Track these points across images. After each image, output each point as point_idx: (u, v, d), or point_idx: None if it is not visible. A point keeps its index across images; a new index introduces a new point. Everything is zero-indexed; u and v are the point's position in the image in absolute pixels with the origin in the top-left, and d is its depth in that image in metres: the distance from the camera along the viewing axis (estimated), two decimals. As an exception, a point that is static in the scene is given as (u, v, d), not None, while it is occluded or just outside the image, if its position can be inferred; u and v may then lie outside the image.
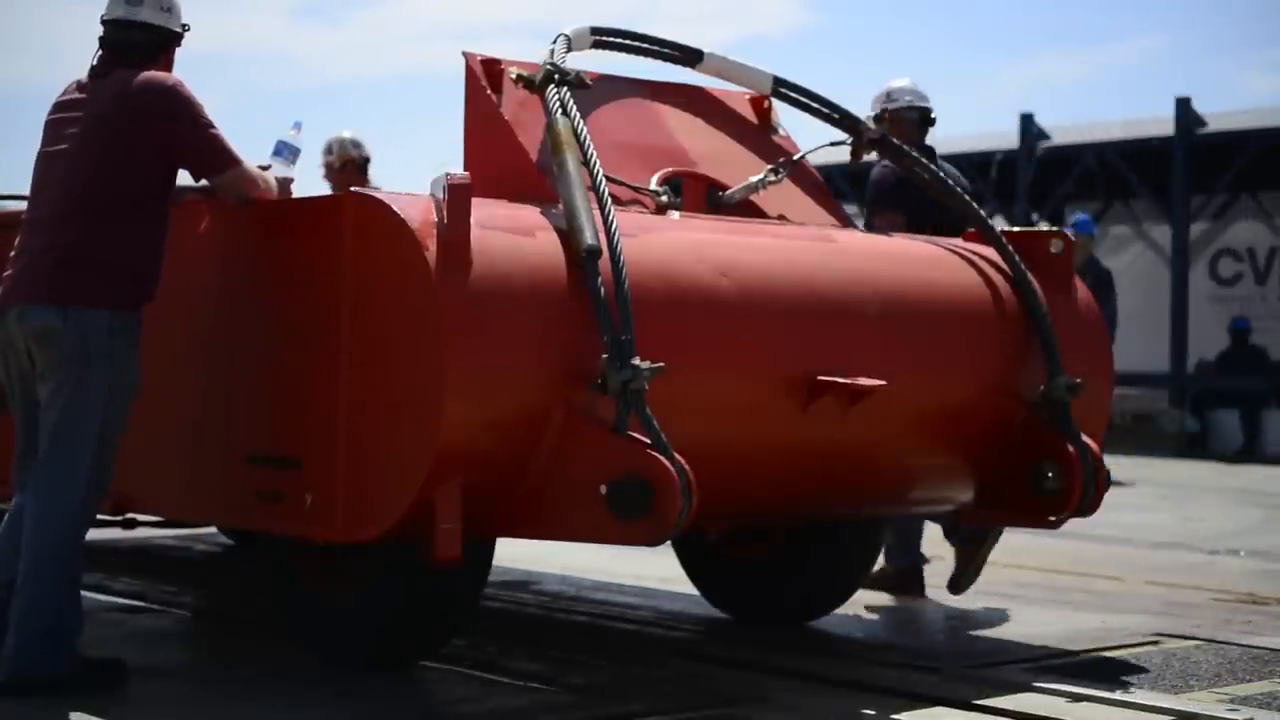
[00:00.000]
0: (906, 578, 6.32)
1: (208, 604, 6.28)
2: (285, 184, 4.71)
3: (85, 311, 4.35)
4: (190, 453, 4.73)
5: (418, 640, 4.68)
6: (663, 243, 4.49)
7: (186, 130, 4.43)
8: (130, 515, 5.71)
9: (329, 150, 8.18)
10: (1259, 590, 6.68)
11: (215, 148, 4.46)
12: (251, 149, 7.87)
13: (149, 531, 7.36)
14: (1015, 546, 7.74)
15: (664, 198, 4.95)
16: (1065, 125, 18.59)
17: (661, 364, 4.06)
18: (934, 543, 7.83)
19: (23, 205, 5.07)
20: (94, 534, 7.33)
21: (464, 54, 4.99)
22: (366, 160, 8.12)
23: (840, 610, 5.71)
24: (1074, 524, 5.21)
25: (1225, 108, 19.25)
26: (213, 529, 7.60)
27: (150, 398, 4.85)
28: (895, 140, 5.64)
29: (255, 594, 6.20)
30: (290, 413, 4.38)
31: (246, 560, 7.19)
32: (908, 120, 6.31)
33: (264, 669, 4.79)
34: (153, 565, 7.13)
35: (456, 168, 4.28)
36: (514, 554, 6.53)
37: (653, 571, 6.59)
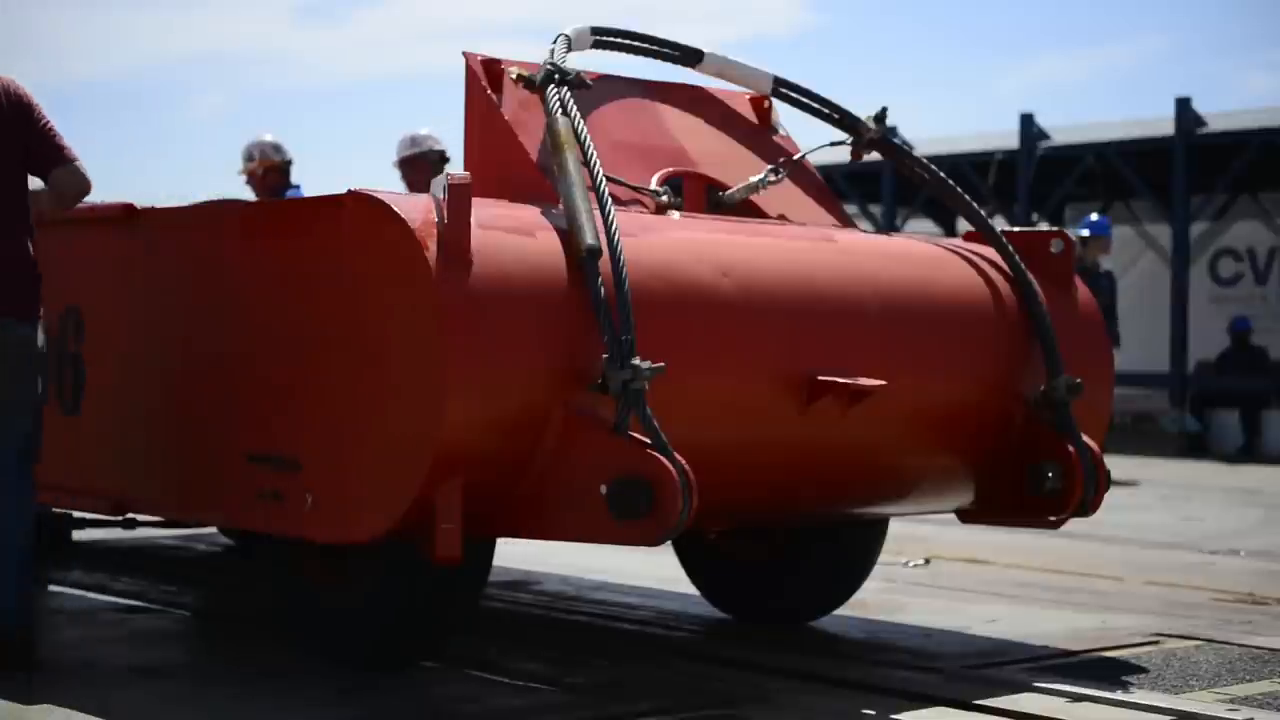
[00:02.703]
0: None
1: (208, 604, 6.28)
2: None
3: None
4: (190, 453, 4.73)
5: (418, 640, 4.68)
6: (663, 243, 4.49)
7: (44, 127, 4.49)
8: (130, 515, 5.72)
9: (250, 156, 8.15)
10: (1259, 590, 6.68)
11: (62, 141, 4.53)
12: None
13: (149, 531, 7.37)
14: (1016, 546, 7.75)
15: (664, 198, 4.95)
16: (1065, 125, 18.61)
17: (662, 364, 4.06)
18: (931, 544, 7.84)
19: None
20: (95, 534, 7.42)
21: (464, 54, 4.99)
22: (289, 163, 8.12)
23: (840, 610, 5.71)
24: (1074, 524, 5.21)
25: (1225, 108, 19.25)
26: (213, 529, 7.60)
27: (150, 398, 4.85)
28: (897, 142, 5.63)
29: (255, 594, 6.20)
30: (290, 413, 4.38)
31: (247, 560, 7.20)
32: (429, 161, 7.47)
33: (264, 669, 4.79)
34: (153, 565, 7.13)
35: (457, 167, 4.28)
36: (514, 554, 6.53)
37: (653, 571, 6.59)
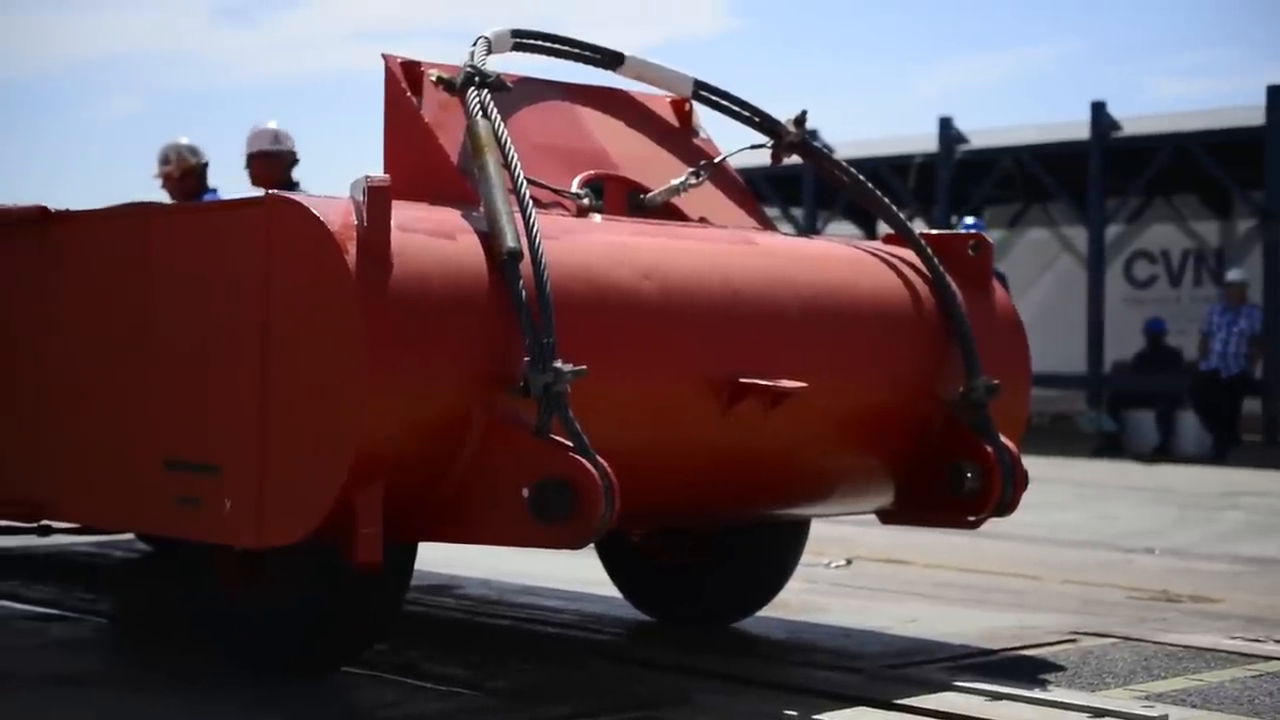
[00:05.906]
0: None
1: (125, 611, 6.21)
2: None
3: None
4: (107, 459, 4.67)
5: (339, 645, 4.65)
6: (584, 245, 4.49)
7: None
8: (45, 523, 5.64)
9: (166, 159, 8.10)
10: (1173, 588, 6.78)
11: None
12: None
13: (65, 539, 7.27)
14: (936, 546, 7.82)
15: (585, 200, 4.95)
16: (983, 129, 18.80)
17: (584, 367, 4.06)
18: (853, 545, 7.89)
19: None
20: (9, 542, 7.31)
21: (384, 56, 4.97)
22: (205, 166, 8.08)
23: (763, 611, 5.73)
24: (993, 524, 5.26)
25: (1140, 112, 19.56)
26: (130, 535, 7.51)
27: (67, 404, 4.79)
28: (817, 145, 5.67)
29: (174, 600, 6.14)
30: (209, 417, 4.34)
31: (165, 566, 7.11)
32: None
33: (183, 675, 4.74)
34: (70, 572, 7.04)
35: (376, 170, 4.26)
36: (437, 558, 6.51)
37: (576, 574, 6.59)
